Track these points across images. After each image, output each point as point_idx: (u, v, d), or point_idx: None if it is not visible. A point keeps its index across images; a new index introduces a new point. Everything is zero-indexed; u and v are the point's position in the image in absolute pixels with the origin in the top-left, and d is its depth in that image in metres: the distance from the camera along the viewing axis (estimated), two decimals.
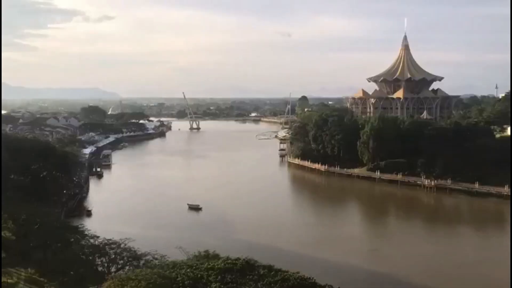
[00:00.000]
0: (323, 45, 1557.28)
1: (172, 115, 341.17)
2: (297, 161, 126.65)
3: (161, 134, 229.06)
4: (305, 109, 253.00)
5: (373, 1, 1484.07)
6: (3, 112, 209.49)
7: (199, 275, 28.62)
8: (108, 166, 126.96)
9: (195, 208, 77.96)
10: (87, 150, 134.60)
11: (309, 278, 29.57)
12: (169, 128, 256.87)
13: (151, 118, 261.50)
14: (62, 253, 37.65)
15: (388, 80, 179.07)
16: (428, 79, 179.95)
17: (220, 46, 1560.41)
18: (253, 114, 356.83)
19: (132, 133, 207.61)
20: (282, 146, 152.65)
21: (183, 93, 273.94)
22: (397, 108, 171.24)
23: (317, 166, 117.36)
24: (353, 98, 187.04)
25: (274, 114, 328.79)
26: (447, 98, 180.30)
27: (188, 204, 78.87)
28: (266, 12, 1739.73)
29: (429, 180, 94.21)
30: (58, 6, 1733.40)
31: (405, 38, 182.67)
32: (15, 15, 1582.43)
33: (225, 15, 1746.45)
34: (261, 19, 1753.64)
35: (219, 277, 28.30)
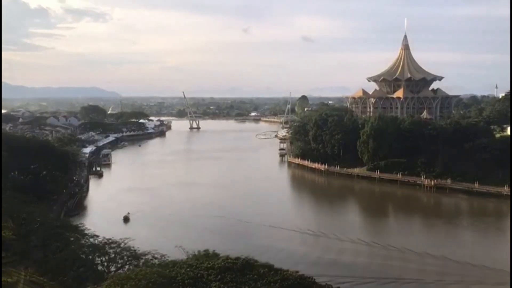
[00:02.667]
0: (314, 45, 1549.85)
1: (172, 114, 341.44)
2: (297, 160, 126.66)
3: (161, 134, 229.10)
4: (305, 109, 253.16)
5: (354, 1, 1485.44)
6: (3, 111, 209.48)
7: (199, 274, 28.64)
8: (108, 165, 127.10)
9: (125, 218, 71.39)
10: (87, 150, 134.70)
11: (309, 277, 29.60)
12: (169, 128, 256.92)
13: (151, 118, 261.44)
14: (62, 252, 37.64)
15: (388, 80, 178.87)
16: (428, 78, 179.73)
17: (206, 46, 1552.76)
18: (253, 114, 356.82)
19: (132, 133, 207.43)
20: (282, 145, 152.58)
21: (183, 92, 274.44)
22: (397, 108, 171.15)
23: (317, 165, 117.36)
24: (353, 98, 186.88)
25: (274, 114, 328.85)
26: (447, 98, 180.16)
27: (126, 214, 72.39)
28: (249, 13, 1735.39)
29: (429, 180, 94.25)
30: (69, 6, 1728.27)
31: (405, 38, 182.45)
32: (24, 15, 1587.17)
33: (206, 16, 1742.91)
34: (246, 20, 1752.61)
35: (219, 276, 28.33)
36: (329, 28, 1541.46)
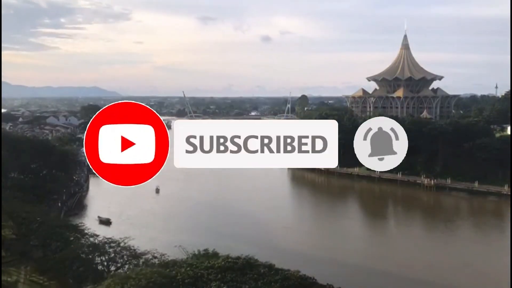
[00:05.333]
0: (310, 45, 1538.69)
1: (172, 114, 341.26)
2: None
3: None
4: (305, 108, 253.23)
5: (335, 2, 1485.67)
6: (3, 111, 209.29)
7: (199, 274, 28.59)
8: None
9: (105, 222, 69.35)
10: None
11: (310, 277, 29.57)
12: (169, 127, 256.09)
13: None
14: (62, 252, 37.64)
15: (388, 79, 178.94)
16: (428, 78, 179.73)
17: (203, 46, 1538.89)
18: (252, 113, 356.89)
19: None
20: None
21: (183, 92, 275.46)
22: (397, 107, 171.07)
23: None
24: (353, 97, 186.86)
25: (274, 113, 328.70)
26: (447, 98, 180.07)
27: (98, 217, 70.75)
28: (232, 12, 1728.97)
29: (428, 179, 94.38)
30: (80, 7, 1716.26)
31: (405, 37, 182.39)
32: (33, 15, 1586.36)
33: (191, 17, 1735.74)
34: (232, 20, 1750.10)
35: (219, 275, 28.29)
36: (323, 28, 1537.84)
